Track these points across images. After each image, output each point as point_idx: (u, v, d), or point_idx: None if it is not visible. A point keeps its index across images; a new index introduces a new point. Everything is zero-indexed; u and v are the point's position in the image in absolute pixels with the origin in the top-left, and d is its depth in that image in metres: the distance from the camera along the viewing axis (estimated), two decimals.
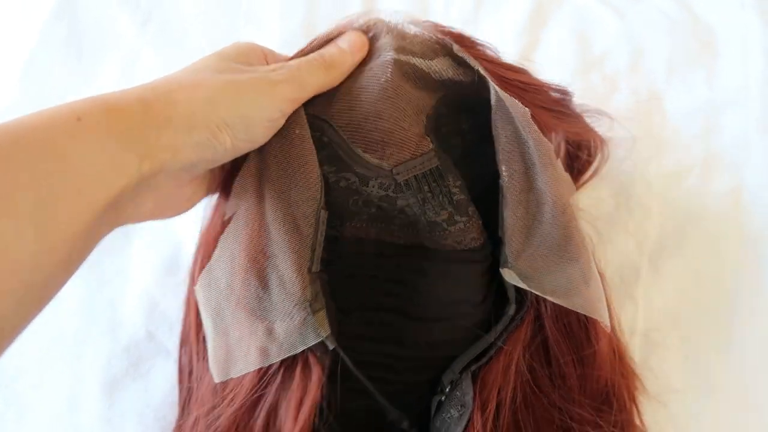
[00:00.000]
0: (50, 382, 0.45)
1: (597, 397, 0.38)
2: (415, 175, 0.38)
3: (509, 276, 0.35)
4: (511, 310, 0.36)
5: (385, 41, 0.38)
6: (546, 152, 0.35)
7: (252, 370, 0.33)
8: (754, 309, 0.46)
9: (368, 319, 0.37)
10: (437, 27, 0.39)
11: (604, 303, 0.36)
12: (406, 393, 0.39)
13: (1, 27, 0.61)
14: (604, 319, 0.36)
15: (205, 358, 0.37)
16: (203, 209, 0.49)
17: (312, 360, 0.34)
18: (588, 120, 0.48)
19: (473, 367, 0.36)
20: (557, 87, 0.46)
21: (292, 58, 0.38)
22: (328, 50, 0.37)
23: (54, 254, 0.26)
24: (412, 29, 0.38)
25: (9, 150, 0.26)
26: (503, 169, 0.35)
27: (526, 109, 0.36)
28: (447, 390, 0.37)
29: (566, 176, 0.37)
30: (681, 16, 0.60)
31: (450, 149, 0.42)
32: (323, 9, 0.62)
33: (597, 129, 0.49)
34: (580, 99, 0.56)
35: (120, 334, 0.46)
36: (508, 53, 0.58)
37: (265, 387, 0.34)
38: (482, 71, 0.36)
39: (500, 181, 0.36)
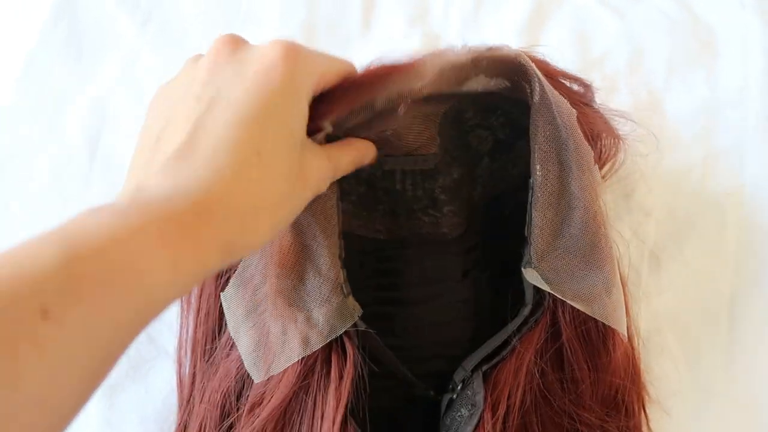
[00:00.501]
0: None
1: (606, 402, 0.38)
2: (402, 169, 0.43)
3: (531, 276, 0.35)
4: (526, 311, 0.36)
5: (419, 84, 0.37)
6: (586, 156, 0.35)
7: (296, 360, 0.34)
8: (755, 310, 0.46)
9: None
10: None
11: (624, 312, 0.36)
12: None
13: (1, 27, 0.61)
14: (622, 329, 0.36)
15: (211, 359, 0.37)
16: None
17: (346, 341, 0.35)
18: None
19: (485, 367, 0.36)
20: (580, 79, 0.45)
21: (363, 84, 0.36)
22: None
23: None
24: (453, 56, 0.36)
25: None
26: (538, 168, 0.35)
27: (573, 110, 0.36)
28: (458, 388, 0.37)
29: (600, 182, 0.37)
30: (681, 16, 0.60)
31: (478, 141, 0.45)
32: (323, 10, 0.61)
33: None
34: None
35: None
36: None
37: (305, 378, 0.35)
38: (540, 74, 0.36)
39: (531, 180, 0.36)
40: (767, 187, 0.51)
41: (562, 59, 0.58)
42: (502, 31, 0.60)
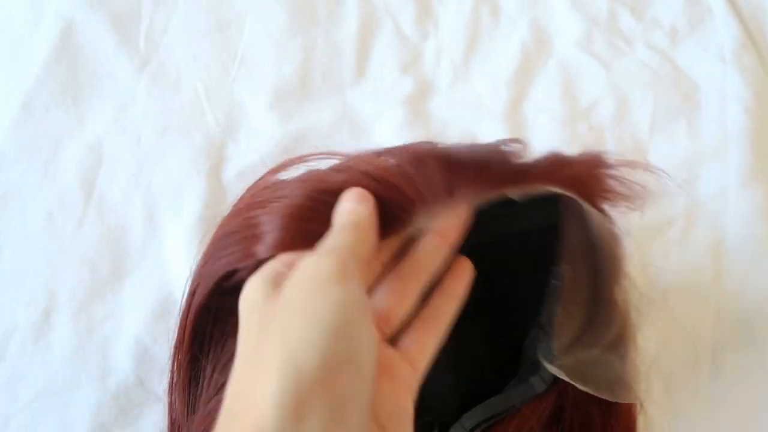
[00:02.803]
0: (38, 429, 0.45)
1: None
2: None
3: (551, 368, 0.35)
4: (540, 388, 0.37)
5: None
6: (620, 263, 0.35)
7: None
8: (737, 358, 0.47)
9: None
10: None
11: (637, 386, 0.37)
12: None
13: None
14: (636, 400, 0.37)
15: (193, 411, 0.38)
16: (195, 253, 0.50)
17: None
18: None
19: (483, 426, 0.36)
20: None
21: None
22: (340, 217, 0.31)
23: None
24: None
25: None
26: (565, 268, 0.34)
27: (616, 232, 0.35)
28: None
29: (630, 278, 0.37)
30: (664, 70, 0.63)
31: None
32: (318, 55, 0.63)
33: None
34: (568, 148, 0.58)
35: (109, 380, 0.46)
36: (498, 103, 0.60)
37: None
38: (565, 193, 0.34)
39: (556, 272, 0.35)
40: (748, 237, 0.53)
41: (549, 110, 0.60)
42: (491, 82, 0.62)
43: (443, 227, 0.33)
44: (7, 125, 0.57)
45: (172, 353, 0.45)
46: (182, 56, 0.62)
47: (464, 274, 0.35)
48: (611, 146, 0.58)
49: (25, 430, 0.45)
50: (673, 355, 0.48)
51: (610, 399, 0.34)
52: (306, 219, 0.31)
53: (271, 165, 0.56)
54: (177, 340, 0.46)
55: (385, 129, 0.59)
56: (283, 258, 0.30)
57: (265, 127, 0.58)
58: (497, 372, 0.40)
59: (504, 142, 0.36)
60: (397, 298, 0.31)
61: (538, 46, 0.64)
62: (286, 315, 0.25)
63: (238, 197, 0.41)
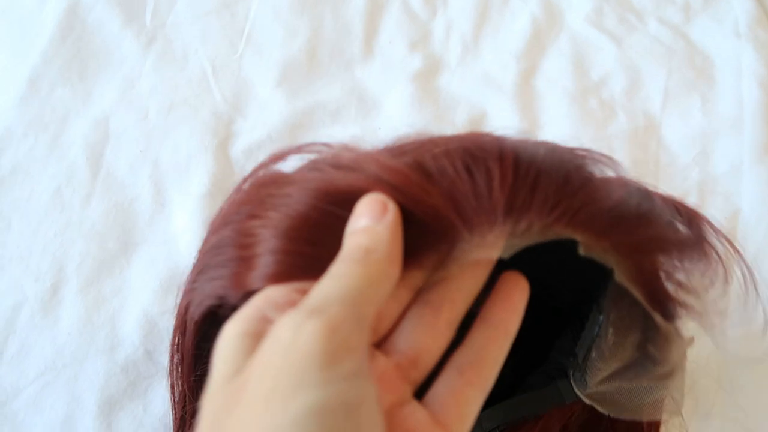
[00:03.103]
0: (47, 402, 0.45)
1: None
2: None
3: (586, 399, 0.33)
4: (569, 399, 0.35)
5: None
6: (678, 340, 0.29)
7: None
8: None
9: None
10: None
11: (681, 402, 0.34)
12: None
13: (6, 44, 0.61)
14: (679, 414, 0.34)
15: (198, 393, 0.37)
16: (202, 228, 0.50)
17: None
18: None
19: (503, 427, 0.35)
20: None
21: None
22: (348, 241, 0.23)
23: None
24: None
25: None
26: (611, 332, 0.31)
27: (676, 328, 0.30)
28: None
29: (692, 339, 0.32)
30: (677, 45, 0.62)
31: None
32: (325, 33, 0.62)
33: None
34: (578, 125, 0.57)
35: (118, 353, 0.46)
36: (508, 79, 0.59)
37: None
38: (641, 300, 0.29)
39: (596, 326, 0.32)
40: (763, 211, 0.52)
41: (560, 84, 0.60)
42: (501, 56, 0.61)
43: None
44: (14, 101, 0.57)
45: (171, 339, 0.44)
46: (189, 33, 0.62)
47: (517, 298, 0.25)
48: (623, 121, 0.57)
49: (35, 403, 0.45)
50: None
51: (648, 419, 0.32)
52: (309, 241, 0.24)
53: (278, 141, 0.56)
54: (176, 323, 0.44)
55: (393, 106, 0.59)
56: (272, 294, 0.23)
57: (272, 103, 0.58)
58: (511, 366, 0.40)
59: (592, 154, 0.29)
60: (428, 334, 0.24)
61: (549, 20, 0.63)
62: (237, 426, 0.18)
63: (234, 188, 0.36)
